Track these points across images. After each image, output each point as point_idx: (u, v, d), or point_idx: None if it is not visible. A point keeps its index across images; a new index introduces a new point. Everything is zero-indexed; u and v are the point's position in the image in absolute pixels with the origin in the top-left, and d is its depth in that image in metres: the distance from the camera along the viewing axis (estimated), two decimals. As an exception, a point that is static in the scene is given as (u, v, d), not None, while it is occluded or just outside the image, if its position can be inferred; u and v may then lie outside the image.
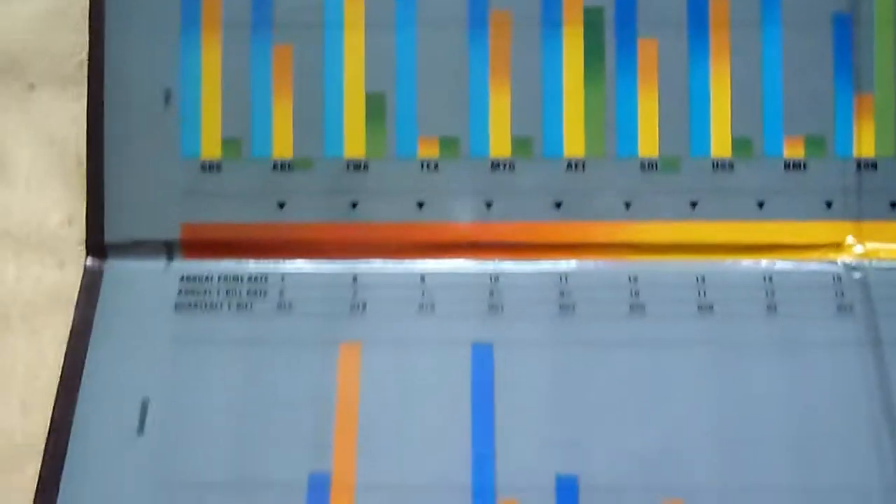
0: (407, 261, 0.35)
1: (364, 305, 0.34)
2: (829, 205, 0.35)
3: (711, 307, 0.34)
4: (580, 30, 0.35)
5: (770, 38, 0.35)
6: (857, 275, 0.34)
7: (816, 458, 0.32)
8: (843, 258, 0.35)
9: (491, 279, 0.35)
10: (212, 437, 0.32)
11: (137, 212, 0.35)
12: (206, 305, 0.34)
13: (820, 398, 0.33)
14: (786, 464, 0.32)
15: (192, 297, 0.34)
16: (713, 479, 0.31)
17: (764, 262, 0.34)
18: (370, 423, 0.32)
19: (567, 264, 0.35)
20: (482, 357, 0.33)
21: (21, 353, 0.34)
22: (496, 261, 0.35)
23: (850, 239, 0.35)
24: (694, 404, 0.33)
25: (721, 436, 0.32)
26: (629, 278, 0.34)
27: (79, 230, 0.36)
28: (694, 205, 0.35)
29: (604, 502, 0.31)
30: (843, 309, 0.34)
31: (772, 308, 0.34)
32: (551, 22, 0.35)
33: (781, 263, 0.35)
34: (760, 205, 0.35)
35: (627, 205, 0.35)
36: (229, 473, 0.32)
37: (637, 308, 0.34)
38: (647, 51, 0.35)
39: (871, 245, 0.35)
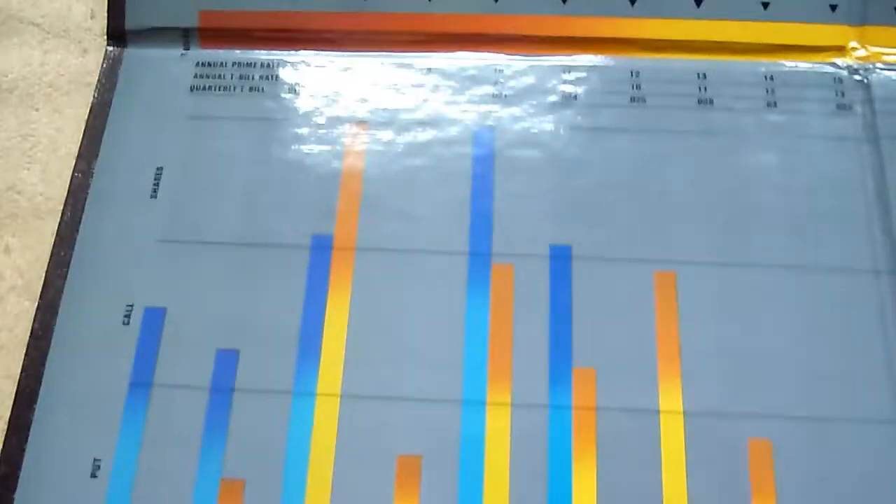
0: (414, 53, 0.36)
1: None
2: (833, 8, 0.35)
3: (711, 101, 0.35)
4: None
5: None
6: (857, 76, 0.35)
7: (810, 239, 0.32)
8: (846, 60, 0.35)
9: (495, 71, 0.36)
10: (221, 202, 0.33)
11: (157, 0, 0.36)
12: (220, 88, 0.35)
13: (817, 184, 0.33)
14: (780, 243, 0.32)
15: (206, 80, 0.36)
16: (707, 254, 0.32)
17: (766, 62, 0.35)
18: (373, 194, 0.33)
19: (571, 58, 0.36)
20: (484, 139, 0.34)
21: (43, 128, 0.36)
22: (502, 54, 0.36)
23: (853, 42, 0.35)
24: (690, 186, 0.33)
25: (717, 216, 0.33)
26: (631, 73, 0.35)
27: (101, 23, 0.37)
28: (699, 2, 0.35)
29: (595, 271, 0.32)
30: (842, 108, 0.34)
31: (771, 105, 0.34)
32: None
33: (783, 63, 0.35)
34: (765, 5, 0.35)
35: (632, 1, 0.36)
36: (236, 235, 0.33)
37: (638, 100, 0.35)
38: None
39: (873, 49, 0.35)
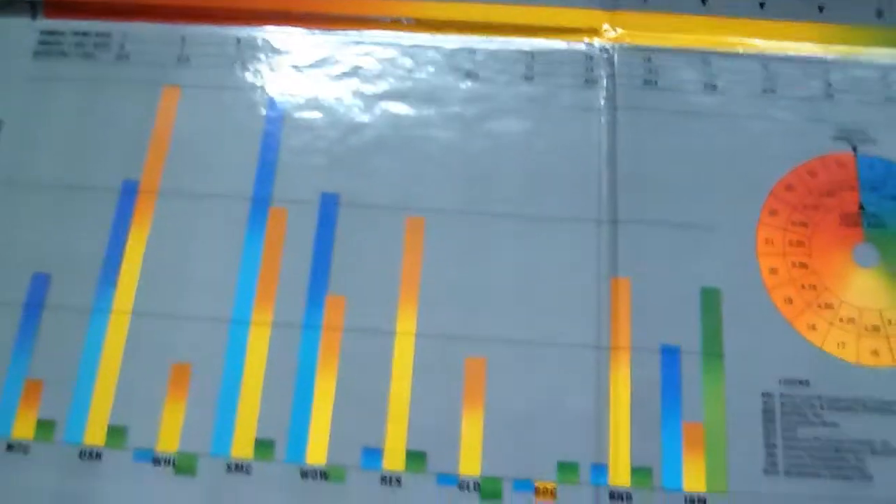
0: (228, 27, 0.41)
1: (188, 58, 0.41)
2: (588, -5, 0.41)
3: (477, 75, 0.40)
4: None
5: None
6: (606, 55, 0.40)
7: (544, 193, 0.38)
8: (598, 41, 0.40)
9: (295, 43, 0.41)
10: (51, 151, 0.39)
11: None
12: (59, 54, 0.41)
13: (558, 147, 0.39)
14: (518, 197, 0.38)
15: (48, 47, 0.41)
16: (453, 204, 0.38)
17: (529, 41, 0.40)
18: (179, 146, 0.39)
19: (360, 34, 0.41)
20: (277, 103, 0.40)
21: None
22: (302, 28, 0.41)
23: (605, 25, 0.41)
24: (448, 148, 0.39)
25: (467, 173, 0.38)
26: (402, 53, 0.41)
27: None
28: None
29: (359, 216, 0.38)
30: (590, 82, 0.40)
31: (529, 78, 0.40)
32: None
33: (544, 42, 0.40)
34: (529, -8, 0.41)
35: (414, -15, 0.41)
36: (60, 178, 0.39)
37: (413, 70, 0.40)
38: None
39: (622, 31, 0.40)
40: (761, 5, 0.41)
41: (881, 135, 0.39)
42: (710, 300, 0.36)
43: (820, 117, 0.39)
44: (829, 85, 0.40)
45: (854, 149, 0.39)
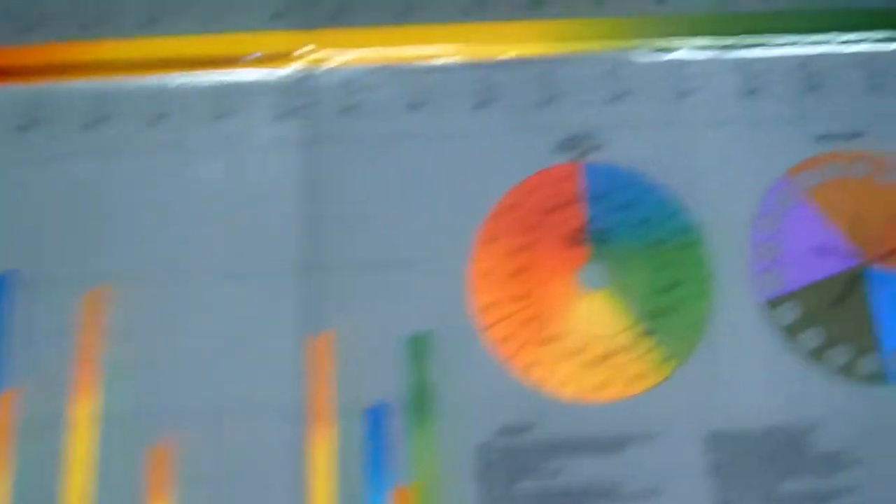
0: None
1: None
2: (280, 15, 0.37)
3: (167, 117, 0.36)
4: None
5: None
6: (307, 81, 0.36)
7: (242, 245, 0.34)
8: (298, 65, 0.37)
9: None
10: None
11: None
12: None
13: (256, 190, 0.35)
14: (211, 249, 0.34)
15: None
16: (142, 265, 0.34)
17: (218, 73, 0.37)
18: None
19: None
20: None
21: None
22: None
23: (307, 47, 0.37)
24: (138, 203, 0.35)
25: (156, 227, 0.34)
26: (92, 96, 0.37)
27: None
28: (152, 21, 0.37)
29: (34, 295, 0.34)
30: (289, 113, 0.36)
31: (219, 116, 0.36)
32: None
33: (235, 73, 0.37)
34: (217, 17, 0.37)
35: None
36: None
37: (96, 122, 0.36)
38: None
39: (324, 52, 0.37)
40: (471, 7, 0.37)
41: (609, 137, 0.35)
42: (420, 347, 0.33)
43: (541, 126, 0.36)
44: (551, 88, 0.36)
45: (579, 157, 0.36)
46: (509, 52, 0.36)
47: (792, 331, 0.33)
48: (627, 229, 0.34)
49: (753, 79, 0.36)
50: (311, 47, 0.36)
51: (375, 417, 0.32)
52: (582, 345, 0.33)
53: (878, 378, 0.33)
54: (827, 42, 0.37)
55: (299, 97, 0.36)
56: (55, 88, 0.36)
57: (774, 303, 0.34)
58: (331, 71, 0.36)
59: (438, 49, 0.36)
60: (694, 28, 0.37)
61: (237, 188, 0.35)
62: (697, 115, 0.36)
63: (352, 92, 0.36)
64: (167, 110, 0.36)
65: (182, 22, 0.36)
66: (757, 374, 0.33)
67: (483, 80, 0.36)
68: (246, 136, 0.36)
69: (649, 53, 0.36)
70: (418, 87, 0.36)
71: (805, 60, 0.36)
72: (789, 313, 0.34)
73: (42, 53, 0.37)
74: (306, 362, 0.33)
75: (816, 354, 0.33)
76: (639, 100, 0.36)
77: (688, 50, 0.36)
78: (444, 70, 0.36)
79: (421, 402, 0.32)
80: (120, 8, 0.37)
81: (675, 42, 0.37)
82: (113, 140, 0.36)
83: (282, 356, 0.33)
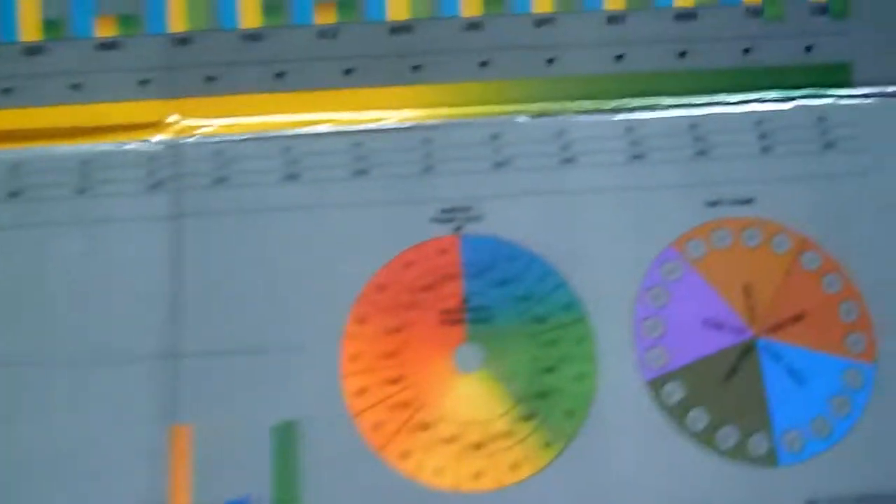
0: None
1: None
2: (145, 83, 0.35)
3: (23, 193, 0.34)
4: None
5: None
6: (171, 152, 0.34)
7: (101, 330, 0.32)
8: (163, 136, 0.35)
9: None
10: None
11: None
12: None
13: (114, 270, 0.33)
14: (70, 338, 0.32)
15: None
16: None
17: (83, 146, 0.34)
18: None
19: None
20: None
21: None
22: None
23: (172, 117, 0.35)
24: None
25: (9, 314, 0.32)
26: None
27: None
28: (7, 91, 0.35)
29: None
30: (154, 186, 0.34)
31: (82, 191, 0.34)
32: None
33: (100, 146, 0.35)
34: (76, 86, 0.35)
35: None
36: None
37: None
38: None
39: (190, 122, 0.35)
40: (347, 72, 0.35)
41: (489, 208, 0.34)
42: (286, 437, 0.31)
43: (419, 197, 0.34)
44: (430, 156, 0.34)
45: (457, 229, 0.34)
46: (388, 118, 0.35)
47: (679, 411, 0.32)
48: (507, 306, 0.33)
49: (641, 142, 0.35)
50: (177, 116, 0.35)
51: (237, 514, 0.30)
52: (458, 431, 0.31)
53: (768, 460, 0.32)
54: (717, 103, 0.36)
55: (166, 169, 0.34)
56: None
57: (660, 381, 0.32)
58: (199, 141, 0.34)
59: (313, 116, 0.35)
60: (580, 90, 0.35)
61: (98, 267, 0.33)
62: (581, 183, 0.34)
63: (222, 163, 0.34)
64: (24, 184, 0.34)
65: (40, 92, 0.35)
66: (643, 457, 0.31)
67: (360, 148, 0.35)
68: (108, 212, 0.34)
69: (532, 118, 0.35)
70: (292, 156, 0.34)
71: (695, 122, 0.35)
72: (676, 392, 0.32)
73: None
74: (166, 455, 0.31)
75: (705, 435, 0.32)
76: (521, 167, 0.34)
77: (573, 114, 0.35)
78: (319, 138, 0.35)
79: (287, 495, 0.31)
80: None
81: (559, 105, 0.35)
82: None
83: (139, 449, 0.31)
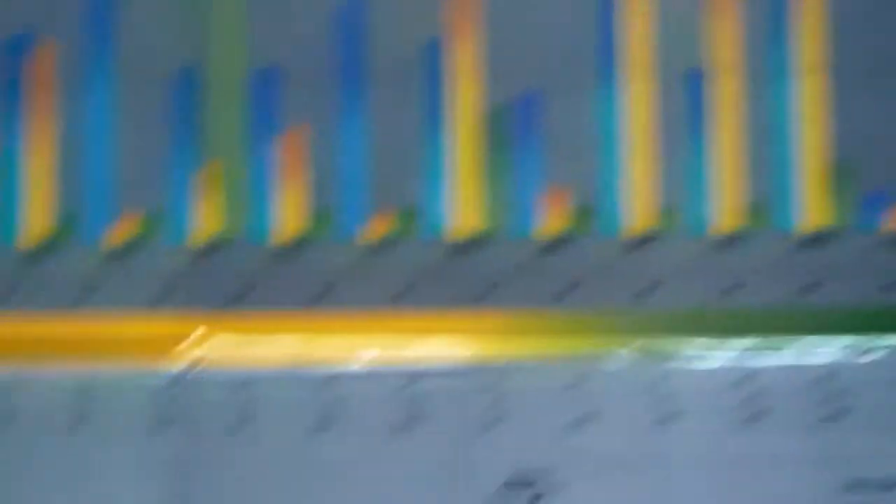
0: None
1: None
2: (162, 299, 0.30)
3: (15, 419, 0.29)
4: None
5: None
6: (188, 381, 0.29)
7: None
8: (179, 360, 0.29)
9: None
10: None
11: None
12: None
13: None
14: None
15: None
16: None
17: (78, 365, 0.29)
18: None
19: None
20: None
21: None
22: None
23: (195, 333, 0.29)
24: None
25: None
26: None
27: None
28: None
29: None
30: (163, 422, 0.29)
31: (72, 424, 0.29)
32: None
33: (96, 367, 0.29)
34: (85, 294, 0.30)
35: None
36: None
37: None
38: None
39: (216, 341, 0.29)
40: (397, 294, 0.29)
41: (565, 479, 0.27)
42: None
43: (478, 461, 0.27)
44: (494, 407, 0.28)
45: (524, 504, 0.27)
46: (442, 352, 0.29)
47: None
48: None
49: (757, 398, 0.28)
50: (200, 332, 0.29)
51: None
52: None
53: None
54: (857, 347, 0.29)
55: (177, 404, 0.29)
56: None
57: None
58: (219, 371, 0.29)
59: (355, 342, 0.29)
60: (684, 326, 0.29)
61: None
62: (682, 450, 0.28)
63: (243, 401, 0.29)
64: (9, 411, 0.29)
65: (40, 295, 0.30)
66: None
67: (406, 391, 0.29)
68: (105, 453, 0.29)
69: (623, 360, 0.29)
70: (327, 397, 0.29)
71: (827, 373, 0.28)
72: None
73: None
74: None
75: None
76: (607, 426, 0.28)
77: (675, 356, 0.29)
78: (360, 377, 0.29)
79: None
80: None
81: (657, 343, 0.29)
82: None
83: None
